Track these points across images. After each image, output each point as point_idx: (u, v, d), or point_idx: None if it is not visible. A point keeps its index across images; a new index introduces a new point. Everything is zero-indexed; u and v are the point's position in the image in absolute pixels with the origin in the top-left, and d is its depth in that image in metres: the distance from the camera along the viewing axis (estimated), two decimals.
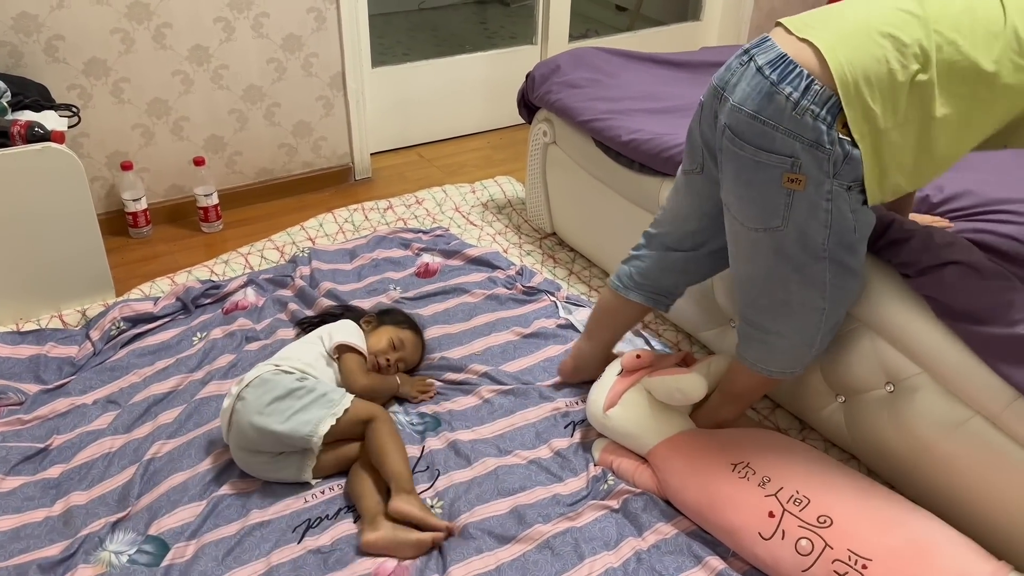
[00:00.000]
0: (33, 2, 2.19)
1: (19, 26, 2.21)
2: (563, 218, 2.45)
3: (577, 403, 1.81)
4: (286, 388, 1.57)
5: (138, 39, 2.37)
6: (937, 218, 1.74)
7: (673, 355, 1.73)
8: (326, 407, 1.57)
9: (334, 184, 2.91)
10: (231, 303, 2.12)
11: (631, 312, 1.75)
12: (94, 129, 2.42)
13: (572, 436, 1.73)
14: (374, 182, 2.96)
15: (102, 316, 2.02)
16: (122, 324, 2.00)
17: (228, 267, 2.32)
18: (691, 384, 1.56)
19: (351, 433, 1.59)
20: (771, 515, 1.39)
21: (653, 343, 2.03)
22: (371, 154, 3.01)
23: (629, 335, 2.03)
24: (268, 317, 2.07)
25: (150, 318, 2.04)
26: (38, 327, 2.03)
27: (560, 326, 2.04)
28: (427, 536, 1.44)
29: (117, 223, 2.53)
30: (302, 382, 1.60)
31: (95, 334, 1.97)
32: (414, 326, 1.91)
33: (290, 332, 2.00)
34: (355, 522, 1.51)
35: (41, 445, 1.67)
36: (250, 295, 2.14)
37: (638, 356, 1.65)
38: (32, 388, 1.82)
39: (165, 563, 1.43)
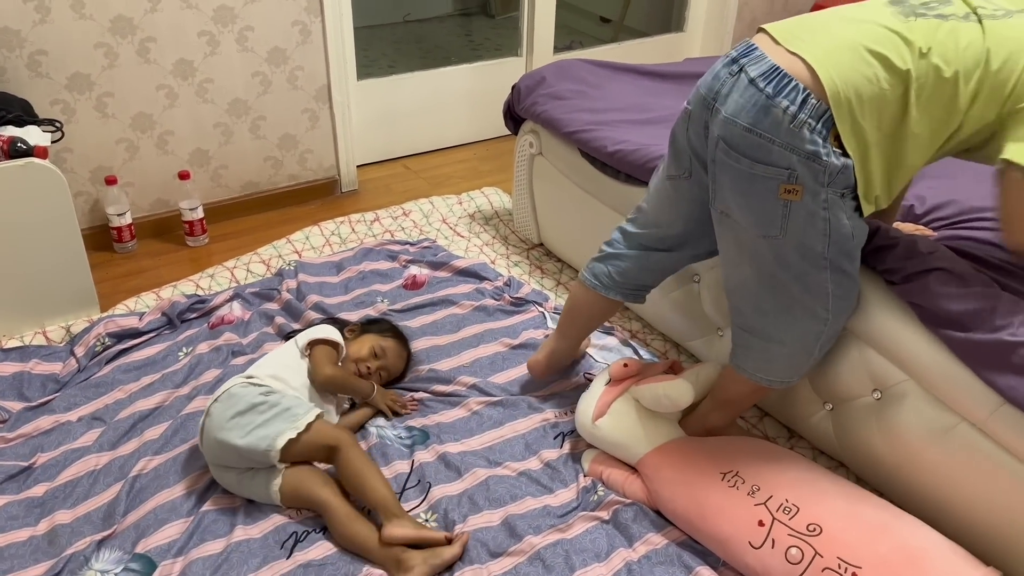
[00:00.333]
0: (15, 17, 2.18)
1: (1, 41, 2.19)
2: (550, 229, 2.45)
3: (566, 414, 1.81)
4: (248, 403, 1.55)
5: (122, 53, 2.36)
6: (920, 227, 1.76)
7: (660, 363, 1.73)
8: (288, 421, 1.53)
9: (320, 197, 2.91)
10: (217, 317, 2.10)
11: (607, 308, 1.76)
12: (78, 144, 2.41)
13: (562, 447, 1.72)
14: (360, 194, 2.95)
15: (87, 332, 2.00)
16: (107, 340, 1.98)
17: (214, 281, 2.30)
18: (678, 390, 1.56)
19: (315, 456, 1.55)
20: (761, 524, 1.39)
21: (641, 352, 2.03)
22: (357, 166, 3.01)
23: (617, 344, 2.04)
24: (255, 331, 2.06)
25: (135, 333, 2.03)
26: (22, 344, 2.01)
27: (548, 336, 2.04)
28: (455, 549, 1.44)
29: (102, 238, 2.51)
30: (266, 396, 1.57)
31: (80, 350, 1.96)
32: (399, 335, 1.90)
33: (277, 346, 1.99)
34: None
35: (25, 463, 1.65)
36: (236, 309, 2.13)
37: (626, 365, 1.65)
38: (16, 406, 1.80)
39: None
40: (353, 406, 1.80)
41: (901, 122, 1.30)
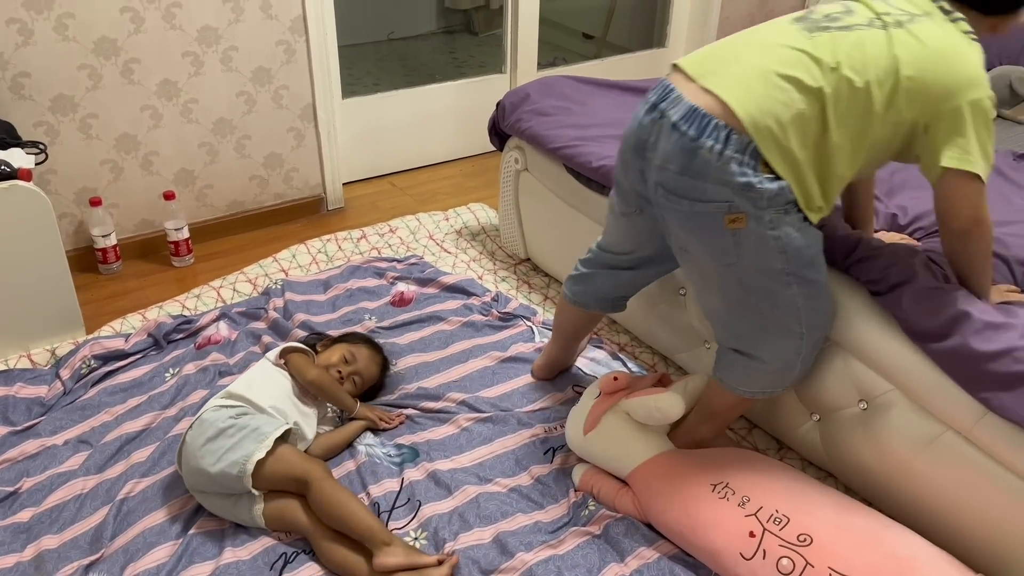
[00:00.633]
0: None
1: None
2: (537, 244, 2.46)
3: (556, 428, 1.81)
4: (217, 428, 1.54)
5: (106, 75, 2.36)
6: (905, 236, 1.78)
7: (650, 376, 1.74)
8: (256, 441, 1.51)
9: (306, 215, 2.91)
10: (203, 338, 2.09)
11: (592, 318, 1.86)
12: (62, 165, 2.40)
13: (552, 462, 1.72)
14: (347, 212, 2.95)
15: (72, 354, 1.98)
16: (92, 362, 1.97)
17: (200, 301, 2.29)
18: (669, 403, 1.56)
19: (288, 487, 1.51)
20: (752, 535, 1.40)
21: (630, 365, 2.04)
22: (343, 184, 3.01)
23: (607, 357, 2.05)
24: (241, 351, 2.05)
25: (121, 355, 2.01)
26: (6, 367, 1.99)
27: (537, 351, 2.04)
28: (443, 571, 1.42)
29: (86, 260, 2.50)
30: (236, 419, 1.56)
31: (65, 373, 1.94)
32: (370, 343, 1.90)
33: None
34: None
35: (10, 488, 1.63)
36: (223, 329, 2.12)
37: (615, 378, 1.66)
38: (1, 430, 1.79)
39: None
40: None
41: (823, 137, 1.34)
